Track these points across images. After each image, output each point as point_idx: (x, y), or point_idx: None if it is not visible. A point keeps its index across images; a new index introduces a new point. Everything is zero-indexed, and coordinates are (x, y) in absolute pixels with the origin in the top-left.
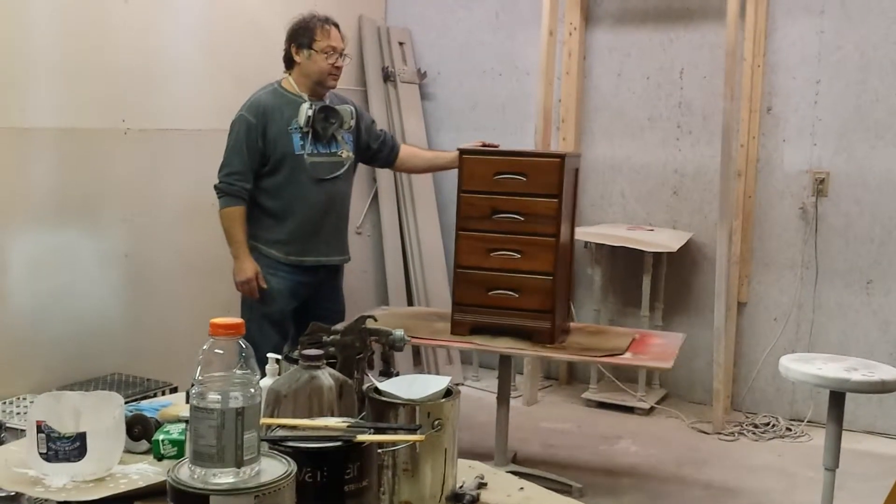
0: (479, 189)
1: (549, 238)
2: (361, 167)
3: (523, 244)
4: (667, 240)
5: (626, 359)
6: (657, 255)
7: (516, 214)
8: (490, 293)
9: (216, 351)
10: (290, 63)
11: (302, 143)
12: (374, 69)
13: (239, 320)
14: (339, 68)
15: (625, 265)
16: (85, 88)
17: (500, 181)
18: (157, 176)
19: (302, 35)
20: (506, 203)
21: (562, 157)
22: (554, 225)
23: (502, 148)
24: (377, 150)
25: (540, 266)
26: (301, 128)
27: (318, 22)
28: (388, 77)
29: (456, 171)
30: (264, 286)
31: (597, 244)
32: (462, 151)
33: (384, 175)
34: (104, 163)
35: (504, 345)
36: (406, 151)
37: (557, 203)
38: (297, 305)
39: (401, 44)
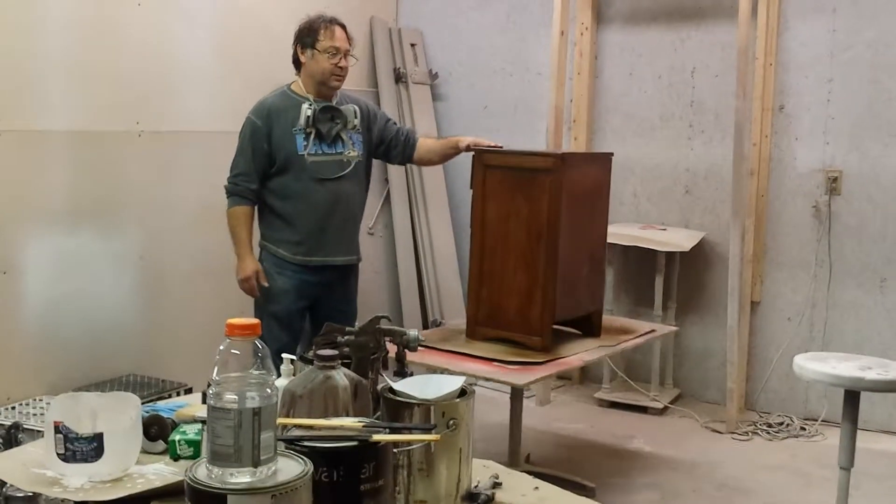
0: None
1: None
2: (374, 166)
3: None
4: (679, 239)
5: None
6: (670, 255)
7: None
8: None
9: (233, 351)
10: (297, 64)
11: (305, 143)
12: (385, 70)
13: (255, 321)
14: (342, 68)
15: (637, 265)
16: (99, 91)
17: None
18: (171, 178)
19: (306, 35)
20: None
21: (478, 153)
22: (471, 215)
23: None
24: (391, 147)
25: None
26: (304, 128)
27: (322, 22)
28: (399, 78)
29: (468, 169)
30: (265, 284)
31: (609, 244)
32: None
33: (396, 175)
34: (119, 165)
35: None
36: (422, 146)
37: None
38: (306, 305)
39: (412, 45)
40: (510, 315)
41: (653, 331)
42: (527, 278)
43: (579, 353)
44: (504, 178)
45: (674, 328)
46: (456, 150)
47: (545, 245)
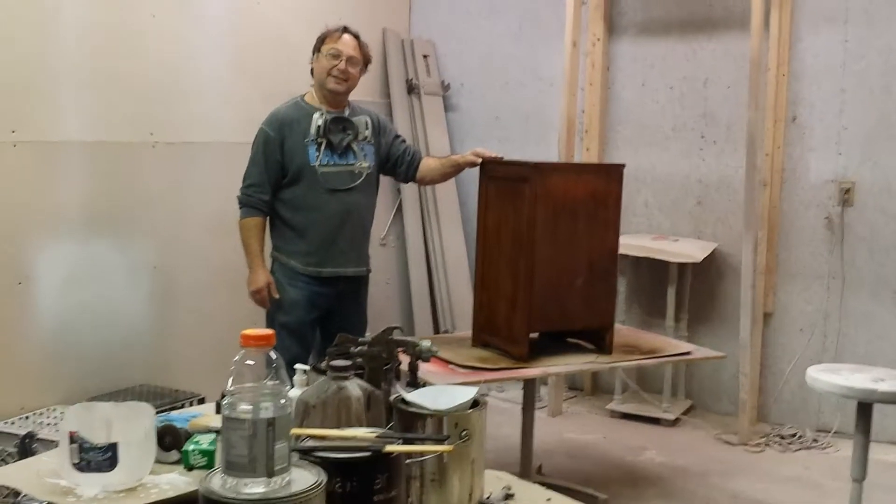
0: None
1: None
2: (385, 179)
3: None
4: (691, 250)
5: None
6: (682, 266)
7: None
8: None
9: (247, 362)
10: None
11: (317, 153)
12: (398, 81)
13: (270, 331)
14: (342, 71)
15: (649, 275)
16: (114, 102)
17: None
18: (185, 189)
19: (318, 42)
20: None
21: (484, 164)
22: (476, 223)
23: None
24: (396, 165)
25: None
26: (315, 139)
27: (335, 30)
28: (411, 89)
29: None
30: (276, 296)
31: (621, 254)
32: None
33: (408, 187)
34: (133, 176)
35: None
36: (424, 165)
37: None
38: (318, 316)
39: (425, 56)
40: (500, 322)
41: (688, 353)
42: (512, 286)
43: (552, 367)
44: (499, 188)
45: (720, 354)
46: (457, 168)
47: (524, 253)
